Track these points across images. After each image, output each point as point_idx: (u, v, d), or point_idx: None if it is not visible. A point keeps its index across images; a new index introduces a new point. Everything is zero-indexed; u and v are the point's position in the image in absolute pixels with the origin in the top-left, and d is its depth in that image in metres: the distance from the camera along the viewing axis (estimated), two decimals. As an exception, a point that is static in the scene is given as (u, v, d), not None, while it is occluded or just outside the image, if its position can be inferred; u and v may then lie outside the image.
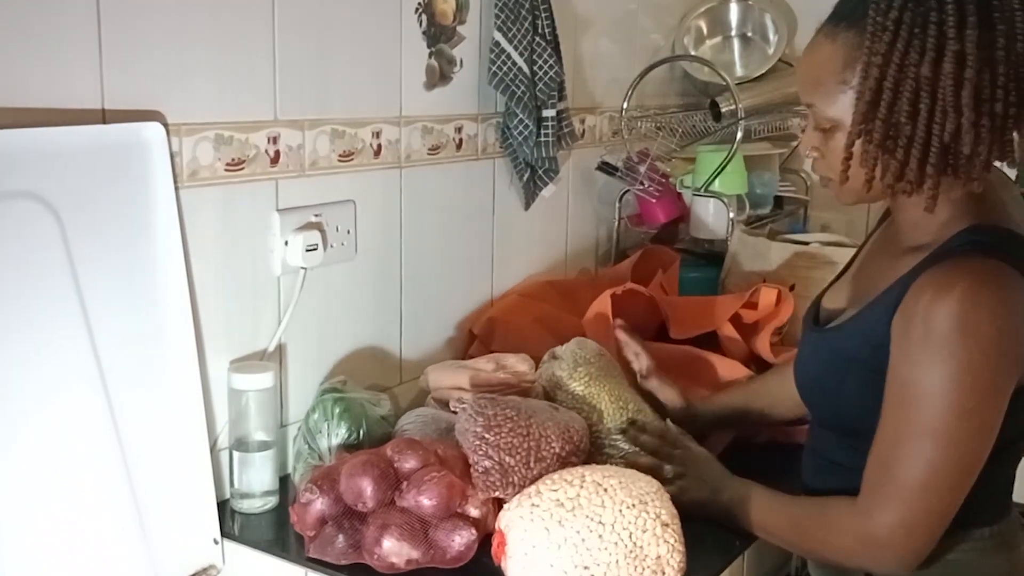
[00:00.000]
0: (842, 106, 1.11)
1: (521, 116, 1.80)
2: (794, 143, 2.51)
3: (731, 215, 2.08)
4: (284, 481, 1.45)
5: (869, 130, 1.08)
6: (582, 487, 1.17)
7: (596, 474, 1.20)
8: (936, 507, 1.08)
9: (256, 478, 1.39)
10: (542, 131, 1.84)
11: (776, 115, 2.33)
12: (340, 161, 1.54)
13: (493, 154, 1.86)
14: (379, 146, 1.60)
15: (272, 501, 1.40)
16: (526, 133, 1.81)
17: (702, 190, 2.06)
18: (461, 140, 1.77)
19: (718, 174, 2.04)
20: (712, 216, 2.09)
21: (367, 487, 1.22)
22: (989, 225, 1.11)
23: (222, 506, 1.38)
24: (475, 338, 1.81)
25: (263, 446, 1.40)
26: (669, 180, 2.11)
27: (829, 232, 2.25)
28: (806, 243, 1.97)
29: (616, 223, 2.19)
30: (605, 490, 1.17)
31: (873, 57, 1.05)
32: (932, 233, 1.13)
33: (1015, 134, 1.06)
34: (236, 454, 1.39)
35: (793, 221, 2.49)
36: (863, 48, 1.07)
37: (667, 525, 1.16)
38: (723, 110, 2.22)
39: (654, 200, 2.08)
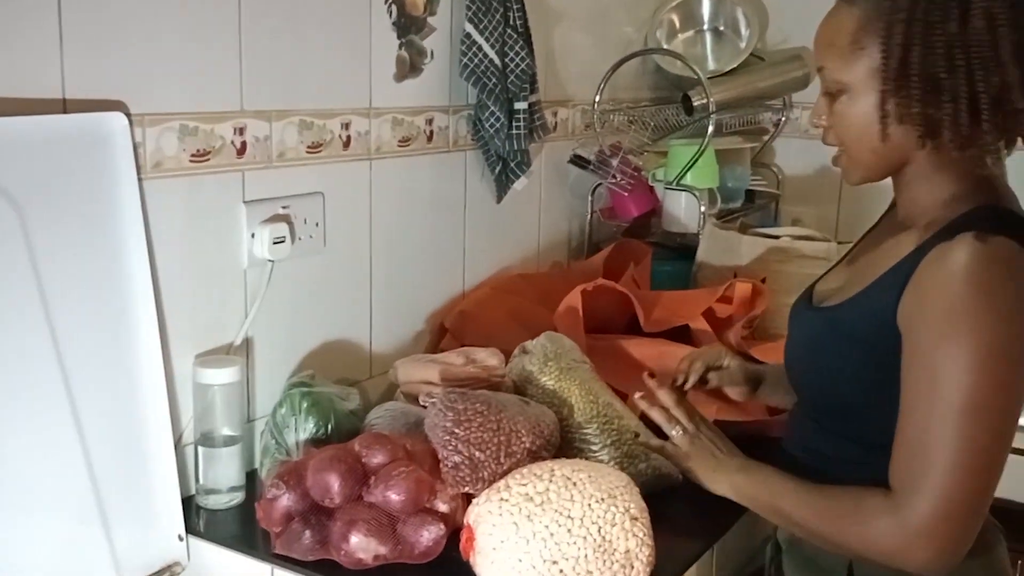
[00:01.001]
0: (854, 70, 1.09)
1: (493, 108, 1.79)
2: (765, 137, 2.52)
3: (703, 209, 2.08)
4: (251, 476, 1.44)
5: (906, 86, 1.05)
6: (551, 481, 1.16)
7: (565, 468, 1.19)
8: (976, 489, 1.03)
9: (222, 474, 1.38)
10: (514, 124, 1.82)
11: (748, 109, 2.33)
12: (308, 153, 1.52)
13: (464, 146, 1.85)
14: (348, 138, 1.58)
15: (238, 497, 1.39)
16: (497, 126, 1.80)
17: (674, 184, 2.06)
18: (432, 132, 1.76)
19: (690, 168, 2.04)
20: (684, 210, 2.09)
21: (334, 482, 1.21)
22: (997, 206, 1.09)
23: (187, 502, 1.36)
24: (446, 332, 1.80)
25: (229, 441, 1.38)
26: (641, 174, 2.11)
27: (800, 226, 2.25)
28: (777, 237, 1.98)
29: (588, 216, 2.18)
30: (574, 484, 1.16)
31: (896, 14, 1.04)
32: (937, 211, 1.11)
33: None
34: (202, 449, 1.37)
35: (764, 215, 2.49)
36: (883, 10, 1.06)
37: (636, 519, 1.15)
38: (695, 104, 2.22)
39: (626, 193, 2.08)
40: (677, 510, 1.38)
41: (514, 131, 1.83)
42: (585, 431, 1.39)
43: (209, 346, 1.41)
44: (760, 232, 2.04)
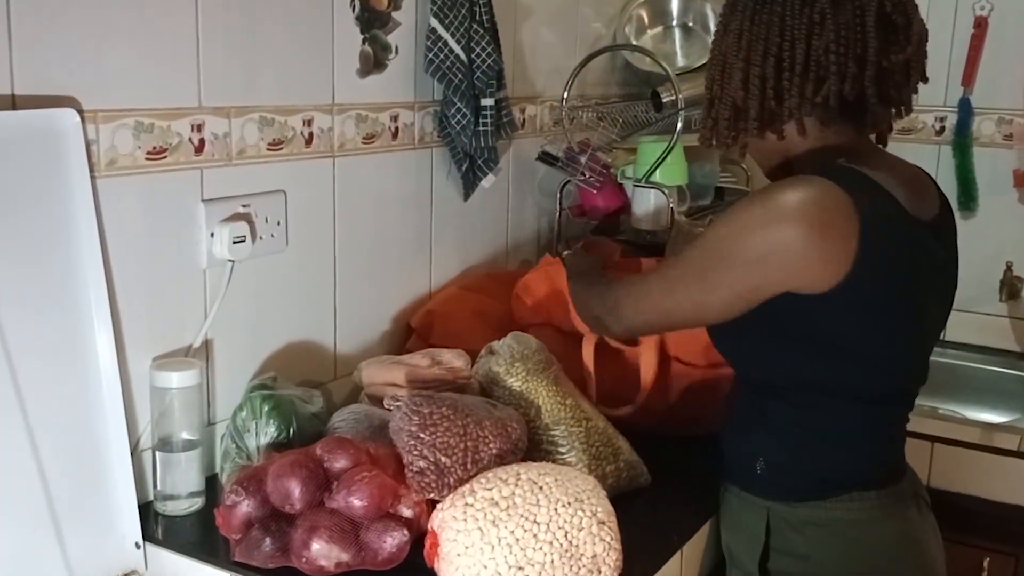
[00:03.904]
0: None
1: (459, 105, 1.76)
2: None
3: (672, 206, 2.06)
4: (211, 481, 1.40)
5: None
6: (517, 485, 1.14)
7: (531, 472, 1.17)
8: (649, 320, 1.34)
9: (181, 479, 1.34)
10: (481, 120, 1.80)
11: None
12: (269, 150, 1.49)
13: (431, 143, 1.82)
14: (311, 134, 1.55)
15: (198, 502, 1.35)
16: (464, 122, 1.77)
17: (643, 181, 2.03)
18: (397, 129, 1.73)
19: (659, 165, 2.02)
20: (653, 207, 2.07)
21: (295, 488, 1.18)
22: (839, 165, 1.20)
23: (145, 508, 1.33)
24: (413, 332, 1.77)
25: (188, 446, 1.34)
26: (610, 171, 2.09)
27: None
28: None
29: (557, 214, 2.15)
30: (540, 488, 1.14)
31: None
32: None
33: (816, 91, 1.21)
34: (159, 454, 1.34)
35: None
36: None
37: (603, 523, 1.13)
38: (664, 100, 2.20)
39: (595, 191, 2.06)
40: (645, 511, 1.37)
41: (481, 128, 1.80)
42: (553, 433, 1.37)
43: (167, 348, 1.37)
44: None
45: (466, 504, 1.13)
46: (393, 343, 1.78)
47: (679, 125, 1.99)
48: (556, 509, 1.12)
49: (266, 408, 1.35)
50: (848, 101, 1.21)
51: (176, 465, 1.34)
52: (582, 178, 2.05)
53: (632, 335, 1.53)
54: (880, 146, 1.33)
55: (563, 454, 1.36)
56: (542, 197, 2.17)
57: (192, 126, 1.36)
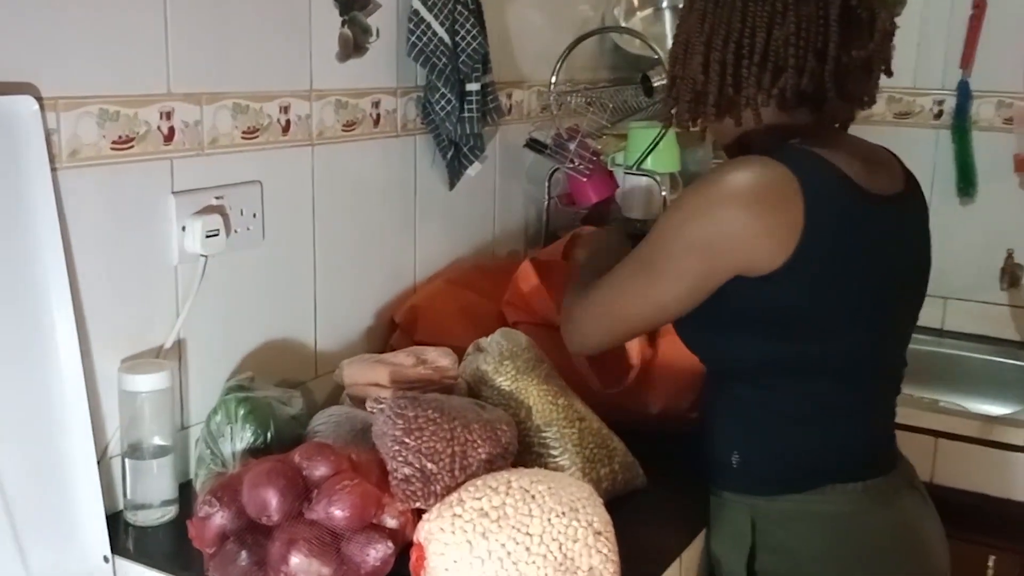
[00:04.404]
0: None
1: (443, 90, 1.69)
2: (728, 119, 2.43)
3: (664, 194, 2.00)
4: (185, 489, 1.33)
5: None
6: (508, 494, 1.08)
7: (523, 479, 1.10)
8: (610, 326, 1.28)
9: (152, 487, 1.27)
10: (466, 106, 1.73)
11: (710, 90, 2.24)
12: (244, 139, 1.41)
13: (414, 131, 1.74)
14: (288, 122, 1.47)
15: (171, 512, 1.28)
16: (449, 108, 1.70)
17: (634, 168, 1.97)
18: (379, 115, 1.65)
19: (650, 152, 1.95)
20: (644, 195, 2.01)
21: (272, 498, 1.11)
22: (787, 146, 1.18)
23: (114, 519, 1.26)
24: (397, 327, 1.70)
25: (160, 452, 1.27)
26: (600, 158, 2.02)
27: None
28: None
29: (546, 203, 2.09)
30: (533, 497, 1.07)
31: None
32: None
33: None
34: (129, 461, 1.27)
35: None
36: None
37: (600, 533, 1.07)
38: (655, 84, 2.13)
39: (585, 179, 1.99)
40: (641, 516, 1.31)
41: (466, 114, 1.73)
42: (544, 435, 1.31)
43: (137, 349, 1.30)
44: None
45: (454, 515, 1.06)
46: (376, 339, 1.71)
47: (673, 111, 1.92)
48: (550, 520, 1.05)
49: (242, 412, 1.28)
50: (806, 93, 1.18)
51: (147, 473, 1.27)
52: (571, 166, 1.98)
53: (594, 350, 1.37)
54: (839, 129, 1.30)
55: (555, 457, 1.30)
56: (530, 186, 2.10)
57: (161, 114, 1.28)
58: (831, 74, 1.17)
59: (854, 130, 1.31)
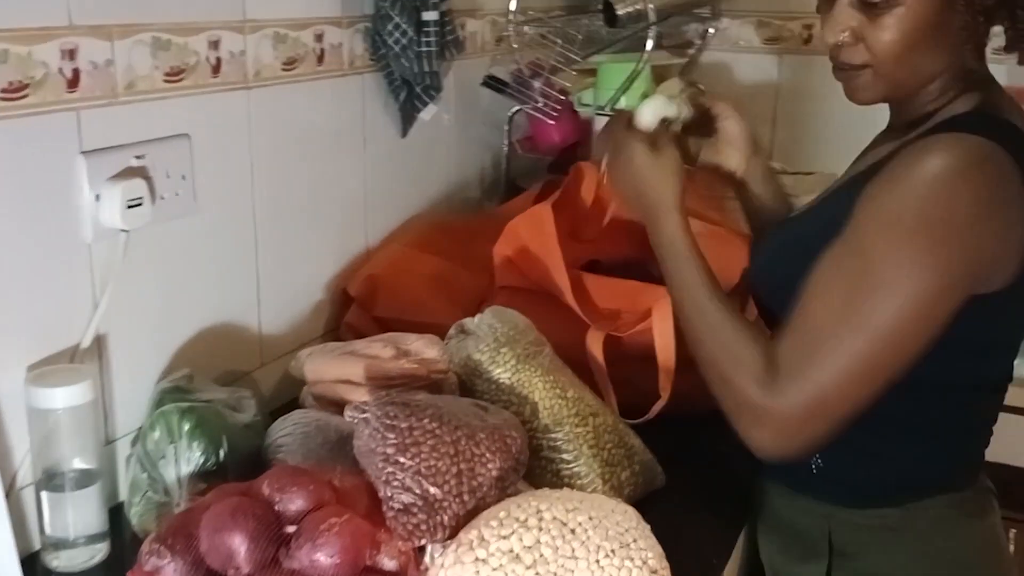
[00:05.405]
0: None
1: (397, 20, 1.44)
2: (691, 51, 2.23)
3: (637, 136, 1.78)
4: (116, 515, 1.09)
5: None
6: (541, 529, 0.87)
7: (556, 508, 0.89)
8: (848, 406, 0.93)
9: (76, 520, 1.02)
10: (423, 39, 1.48)
11: (676, 20, 2.03)
12: (167, 82, 1.14)
13: (362, 68, 1.49)
14: (218, 60, 1.21)
15: (101, 551, 1.04)
16: (404, 41, 1.45)
17: (607, 108, 1.75)
18: (323, 51, 1.39)
19: (625, 90, 1.73)
20: (616, 139, 1.79)
21: (240, 546, 0.88)
22: (992, 114, 0.97)
23: (30, 562, 1.01)
24: (352, 301, 1.46)
25: (83, 477, 1.02)
26: (567, 97, 1.79)
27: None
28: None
29: (505, 148, 1.85)
30: (572, 531, 0.87)
31: None
32: (925, 114, 1.00)
33: None
34: (45, 493, 1.01)
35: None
36: None
37: (655, 572, 0.87)
38: (619, 12, 1.90)
39: (551, 122, 1.76)
40: (669, 524, 1.11)
41: (423, 48, 1.48)
42: (554, 436, 1.10)
43: (47, 353, 1.04)
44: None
45: (477, 559, 0.85)
46: (329, 316, 1.47)
47: (649, 44, 1.70)
48: (598, 561, 0.85)
49: (187, 426, 1.03)
50: None
51: (67, 503, 1.02)
52: (535, 106, 1.74)
53: (804, 416, 0.94)
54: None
55: (569, 463, 1.09)
56: (486, 129, 1.86)
57: (62, 52, 1.01)
58: None
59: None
